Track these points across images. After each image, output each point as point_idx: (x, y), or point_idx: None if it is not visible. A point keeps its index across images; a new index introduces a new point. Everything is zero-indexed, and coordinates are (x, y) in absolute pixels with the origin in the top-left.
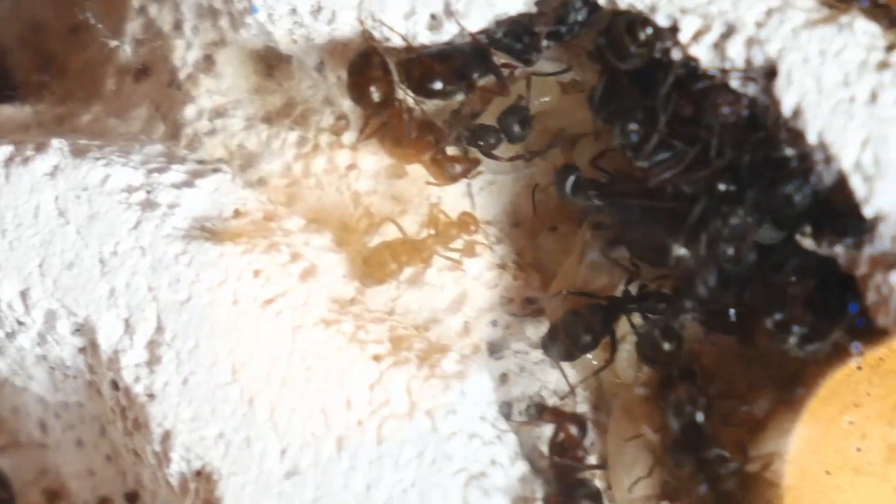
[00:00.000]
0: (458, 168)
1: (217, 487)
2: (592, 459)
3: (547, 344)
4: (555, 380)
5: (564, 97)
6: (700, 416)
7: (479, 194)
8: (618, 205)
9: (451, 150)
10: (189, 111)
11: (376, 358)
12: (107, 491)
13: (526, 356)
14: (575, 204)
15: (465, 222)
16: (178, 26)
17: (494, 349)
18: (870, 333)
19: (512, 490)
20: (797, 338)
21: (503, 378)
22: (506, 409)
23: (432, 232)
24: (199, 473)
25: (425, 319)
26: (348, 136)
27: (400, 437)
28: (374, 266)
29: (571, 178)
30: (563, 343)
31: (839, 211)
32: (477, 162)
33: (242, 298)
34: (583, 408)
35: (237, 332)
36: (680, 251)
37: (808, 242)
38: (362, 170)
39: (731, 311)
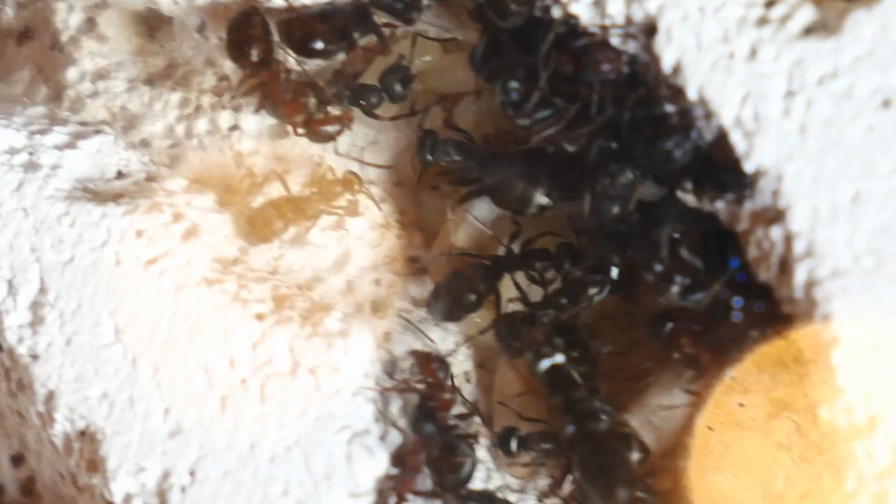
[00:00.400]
0: (331, 128)
1: (101, 447)
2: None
3: (431, 304)
4: (439, 338)
5: (446, 57)
6: (560, 358)
7: (362, 154)
8: (477, 157)
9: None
10: (71, 73)
11: (259, 317)
12: None
13: (409, 315)
14: (441, 166)
15: (349, 181)
16: None
17: (377, 308)
18: (752, 289)
19: (395, 447)
20: (679, 287)
21: (386, 336)
22: (389, 368)
23: (315, 191)
24: (82, 433)
25: (308, 279)
26: (230, 98)
27: (283, 396)
28: (258, 225)
29: (429, 142)
30: (447, 303)
31: (720, 167)
32: (349, 120)
33: (125, 259)
34: (467, 366)
35: (120, 293)
36: (542, 199)
37: (689, 198)
38: (245, 130)
39: (614, 268)
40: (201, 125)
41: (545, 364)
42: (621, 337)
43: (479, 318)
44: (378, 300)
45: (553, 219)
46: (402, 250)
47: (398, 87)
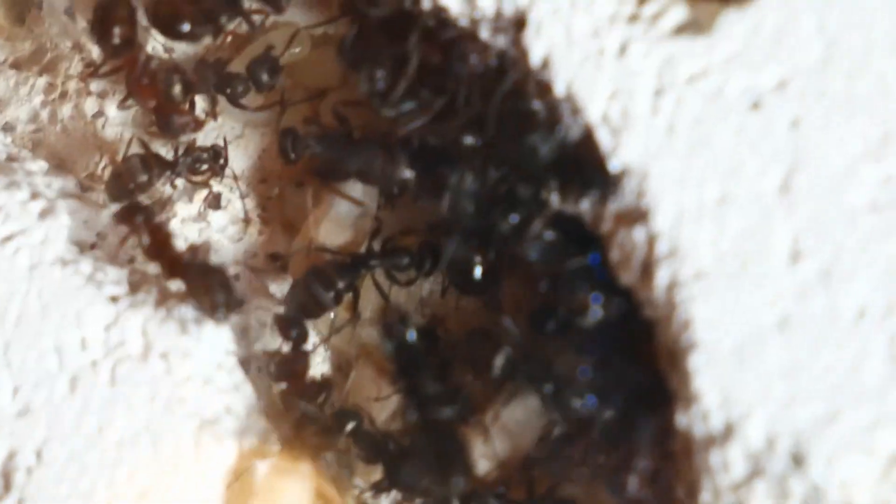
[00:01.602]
0: (181, 120)
1: None
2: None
3: (288, 300)
4: None
5: (315, 50)
6: (412, 336)
7: (228, 149)
8: (339, 144)
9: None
10: None
11: (113, 299)
12: None
13: (268, 312)
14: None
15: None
16: None
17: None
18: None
19: (244, 438)
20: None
21: (244, 332)
22: (245, 364)
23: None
24: None
25: None
26: (96, 84)
27: (134, 379)
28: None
29: (290, 140)
30: (304, 299)
31: (585, 164)
32: (200, 124)
33: None
34: (324, 368)
35: None
36: (405, 172)
37: (553, 198)
38: (109, 117)
39: (476, 271)
40: (66, 110)
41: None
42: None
43: (336, 317)
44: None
45: (414, 217)
46: (263, 246)
47: (265, 77)
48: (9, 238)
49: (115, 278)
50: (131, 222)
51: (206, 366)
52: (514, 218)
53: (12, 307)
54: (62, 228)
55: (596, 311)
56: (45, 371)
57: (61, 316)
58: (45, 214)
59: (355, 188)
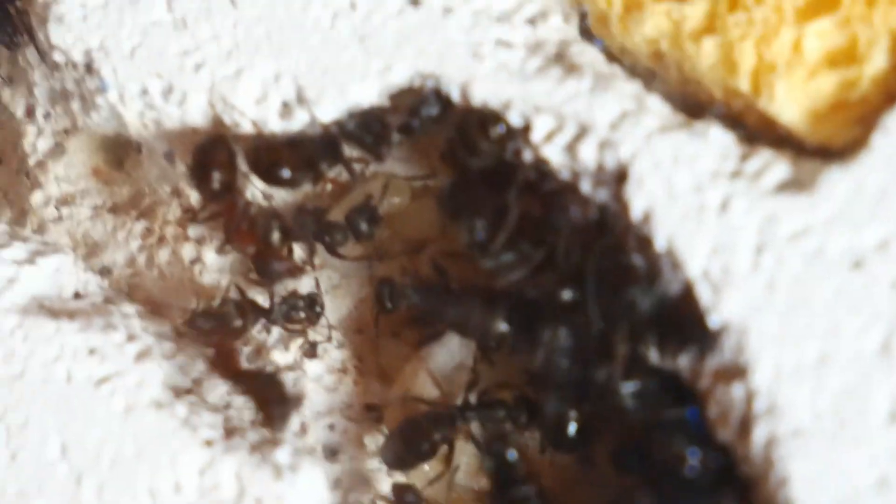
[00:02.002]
0: (280, 267)
1: None
2: None
3: (384, 450)
4: (390, 489)
5: (414, 201)
6: (512, 455)
7: (324, 297)
8: (436, 295)
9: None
10: (36, 198)
11: (208, 443)
12: None
13: (362, 463)
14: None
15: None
16: (30, 112)
17: (330, 452)
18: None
19: None
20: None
21: (337, 482)
22: None
23: None
24: None
25: (261, 418)
26: (194, 230)
27: None
28: None
29: (387, 291)
30: (400, 450)
31: (684, 320)
32: (300, 270)
33: (76, 376)
34: None
35: (69, 410)
36: (502, 326)
37: (652, 354)
38: (207, 263)
39: (571, 428)
40: (163, 255)
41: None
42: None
43: (430, 469)
44: (331, 445)
45: (511, 370)
46: (359, 397)
47: (364, 226)
48: (105, 380)
49: (209, 422)
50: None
51: None
52: (611, 373)
53: (107, 449)
54: (158, 370)
55: (693, 466)
56: None
57: (156, 459)
58: (141, 357)
59: (452, 341)
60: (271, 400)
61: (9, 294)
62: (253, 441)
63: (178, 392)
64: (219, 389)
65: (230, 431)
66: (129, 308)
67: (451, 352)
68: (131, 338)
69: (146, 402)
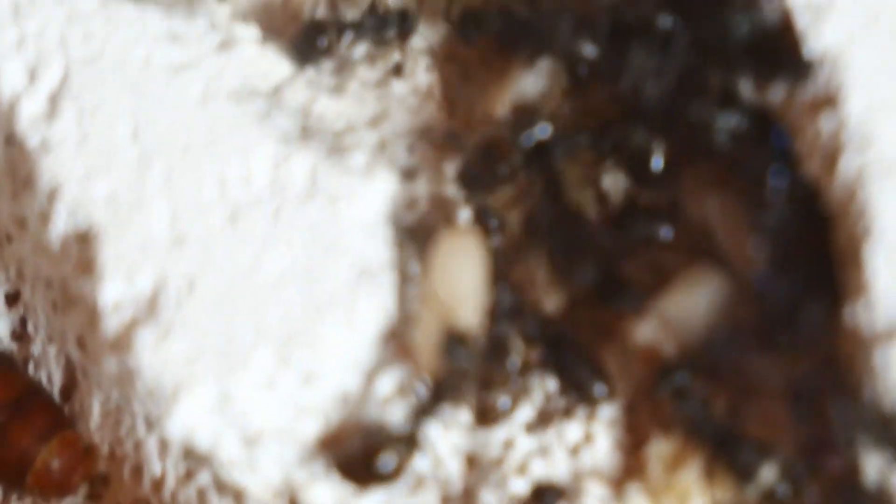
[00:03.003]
0: None
1: (99, 250)
2: None
3: (461, 173)
4: None
5: None
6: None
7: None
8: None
9: None
10: None
11: (285, 138)
12: None
13: (440, 186)
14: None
15: None
16: None
17: (407, 174)
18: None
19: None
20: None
21: (413, 203)
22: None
23: None
24: (82, 235)
25: (341, 129)
26: None
27: (297, 220)
28: None
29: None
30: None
31: (779, 50)
32: None
33: (155, 61)
34: None
35: (144, 94)
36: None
37: (745, 86)
38: None
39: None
40: None
41: None
42: None
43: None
44: (408, 167)
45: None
46: (441, 124)
47: None
48: (184, 66)
49: (288, 120)
50: None
51: (372, 215)
52: (703, 105)
53: (179, 135)
54: (240, 63)
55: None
56: (206, 201)
57: (229, 149)
58: (223, 47)
59: (541, 68)
60: None
61: None
62: (330, 143)
63: (258, 92)
64: (299, 93)
65: (307, 130)
66: (219, 7)
67: (537, 79)
68: (214, 26)
69: (225, 94)
